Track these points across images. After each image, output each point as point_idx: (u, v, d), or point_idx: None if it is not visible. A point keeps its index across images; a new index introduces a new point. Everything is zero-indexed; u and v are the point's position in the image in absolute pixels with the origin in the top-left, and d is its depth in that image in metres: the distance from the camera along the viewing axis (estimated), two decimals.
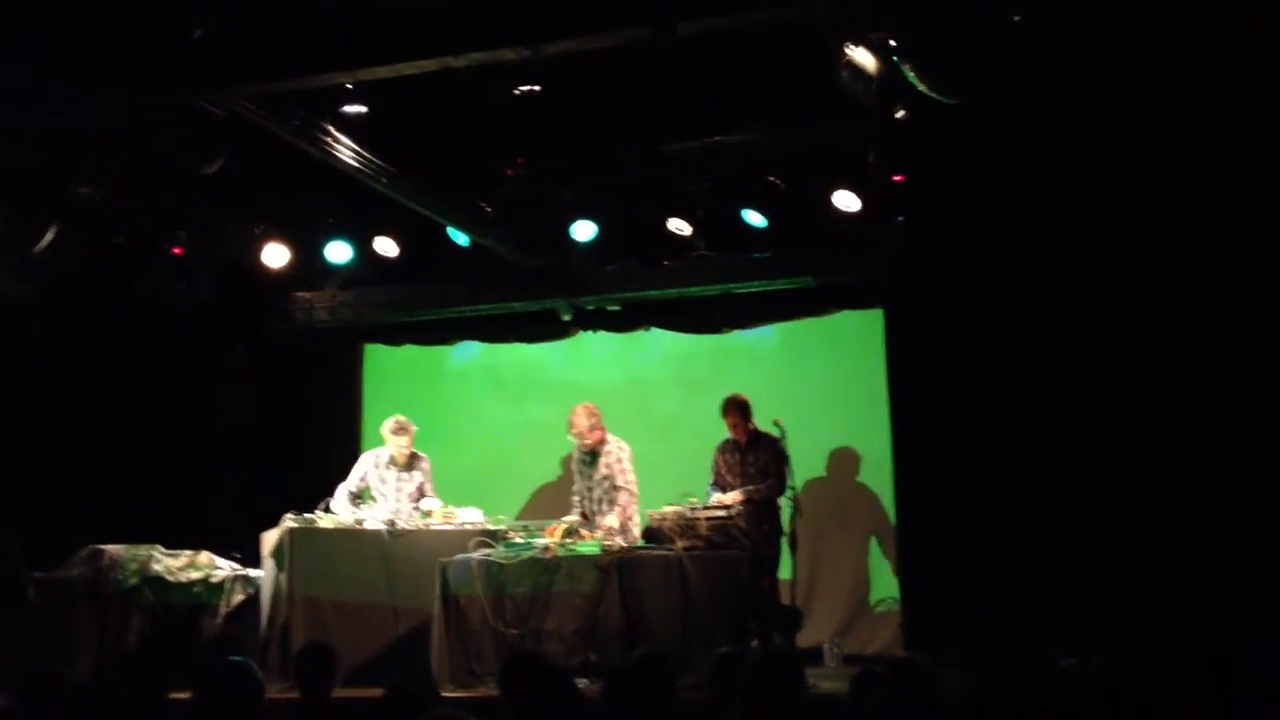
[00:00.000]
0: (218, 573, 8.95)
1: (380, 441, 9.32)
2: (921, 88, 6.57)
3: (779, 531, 8.65)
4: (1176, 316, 8.66)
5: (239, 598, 8.82)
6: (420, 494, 9.15)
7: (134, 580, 8.82)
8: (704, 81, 7.88)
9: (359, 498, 9.11)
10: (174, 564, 8.93)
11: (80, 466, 10.16)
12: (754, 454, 8.88)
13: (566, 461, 9.36)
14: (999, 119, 7.90)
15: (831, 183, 9.10)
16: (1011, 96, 7.24)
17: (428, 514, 8.76)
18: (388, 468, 9.18)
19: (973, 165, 8.60)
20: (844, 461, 10.29)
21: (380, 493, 9.14)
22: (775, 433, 8.62)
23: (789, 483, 8.58)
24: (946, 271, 9.38)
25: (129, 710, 4.64)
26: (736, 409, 8.94)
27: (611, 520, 8.67)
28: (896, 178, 9.01)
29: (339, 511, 8.82)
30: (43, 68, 7.25)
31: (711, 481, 8.93)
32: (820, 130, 8.68)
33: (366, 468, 9.22)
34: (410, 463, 9.21)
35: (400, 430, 9.12)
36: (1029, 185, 8.67)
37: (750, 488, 8.66)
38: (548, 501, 9.33)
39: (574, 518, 8.63)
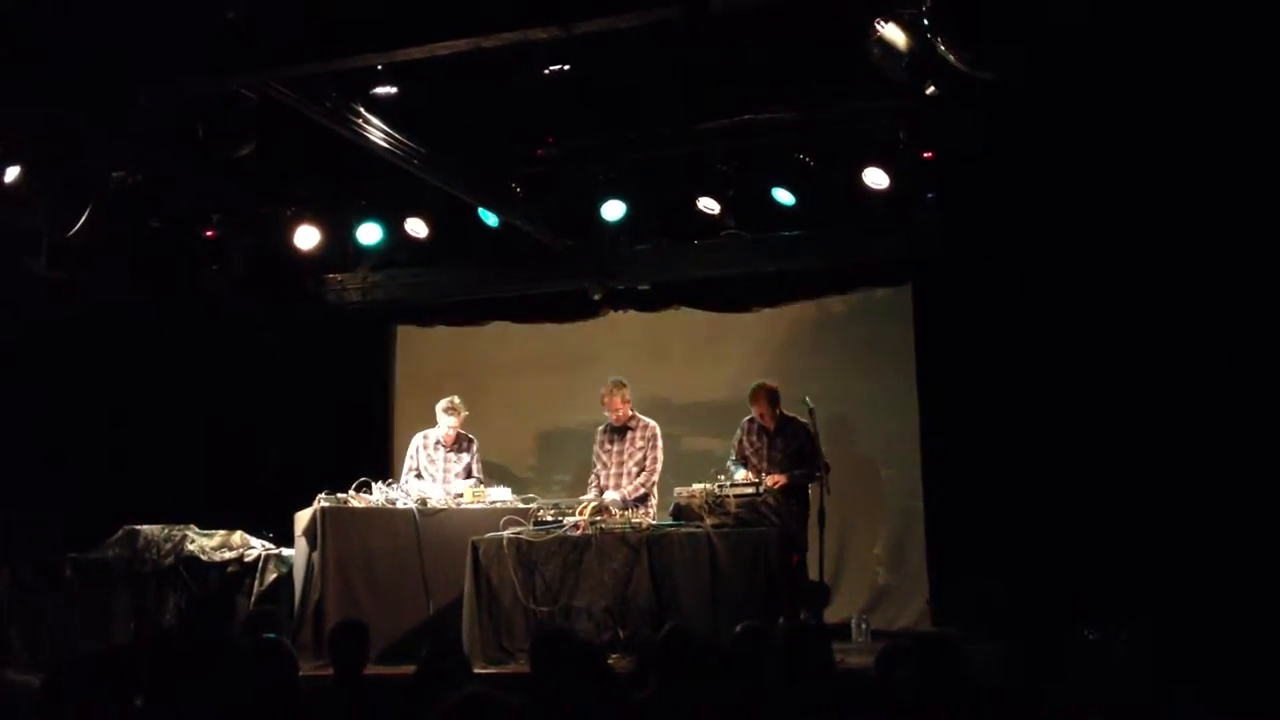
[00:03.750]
0: (251, 552, 9.05)
1: (413, 420, 9.39)
2: (954, 62, 6.53)
3: (807, 508, 8.65)
4: (1203, 296, 8.59)
5: (272, 576, 8.92)
6: (468, 474, 9.28)
7: (169, 560, 8.93)
8: (734, 59, 7.86)
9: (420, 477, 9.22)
10: (208, 543, 9.04)
11: (115, 447, 10.26)
12: (782, 439, 8.82)
13: (591, 440, 9.36)
14: (1030, 95, 7.84)
15: (861, 160, 9.06)
16: (1043, 72, 7.19)
17: (459, 495, 8.85)
18: (436, 448, 9.31)
19: (1003, 142, 8.54)
20: (872, 438, 10.27)
21: (429, 472, 9.25)
22: (805, 408, 8.59)
23: (823, 475, 8.58)
24: (975, 248, 9.34)
25: (164, 687, 4.69)
26: (765, 397, 8.83)
27: (632, 490, 8.74)
28: (926, 155, 8.96)
29: (413, 491, 8.91)
30: (78, 54, 7.29)
31: (733, 458, 8.86)
32: (850, 107, 8.65)
33: (416, 447, 9.35)
34: (459, 443, 9.30)
35: (451, 410, 9.26)
36: (1060, 162, 8.61)
37: (798, 472, 8.62)
38: (577, 479, 9.36)
39: (610, 495, 8.64)
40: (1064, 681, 3.98)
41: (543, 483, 10.50)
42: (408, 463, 9.36)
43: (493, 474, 9.57)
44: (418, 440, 9.42)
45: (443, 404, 9.34)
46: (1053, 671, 3.97)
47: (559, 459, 10.90)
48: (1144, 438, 8.70)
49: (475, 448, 9.43)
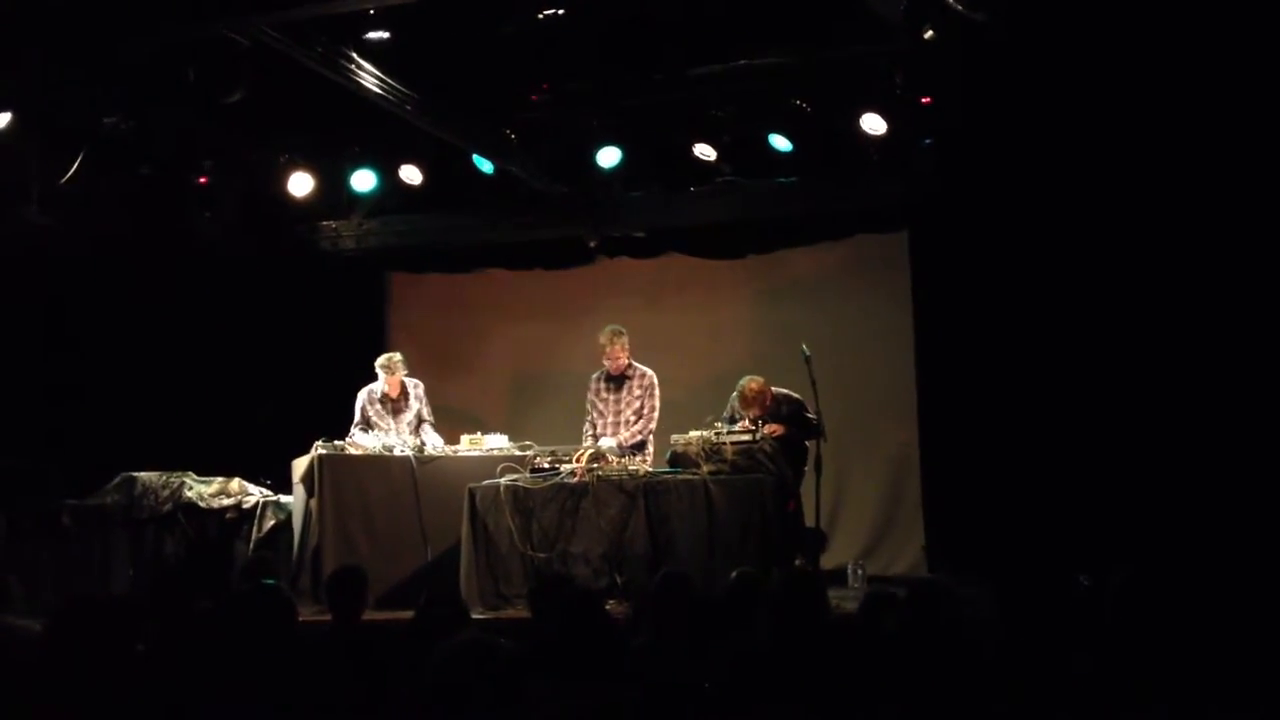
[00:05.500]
0: (249, 499, 9.07)
1: (407, 367, 9.34)
2: (951, 4, 6.49)
3: (804, 455, 8.65)
4: (1205, 241, 8.57)
5: (270, 523, 8.95)
6: (419, 421, 9.23)
7: (167, 507, 8.95)
8: (730, 4, 7.79)
9: (370, 429, 9.14)
10: (206, 490, 9.06)
11: (112, 394, 10.25)
12: (776, 418, 8.74)
13: (585, 387, 9.33)
14: (1029, 39, 7.78)
15: (858, 106, 9.01)
16: (1040, 14, 7.14)
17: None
18: (383, 404, 9.23)
19: (1000, 87, 8.48)
20: (868, 384, 10.22)
21: (379, 428, 9.14)
22: (801, 356, 8.52)
23: (820, 426, 8.55)
24: (972, 195, 9.30)
25: (164, 629, 4.73)
26: (756, 403, 8.48)
27: (629, 437, 8.74)
28: (924, 100, 8.91)
29: (367, 443, 8.89)
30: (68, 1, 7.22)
31: (726, 416, 8.68)
32: (847, 52, 8.59)
33: (363, 404, 9.25)
34: (403, 395, 9.25)
35: (386, 368, 9.17)
36: (1057, 107, 8.56)
37: (793, 430, 8.59)
38: (572, 427, 9.35)
39: (607, 442, 8.62)
40: (1055, 627, 4.00)
41: (537, 430, 10.50)
42: (356, 416, 9.18)
43: (487, 421, 9.55)
44: (363, 396, 9.25)
45: (381, 361, 9.23)
46: (1045, 616, 3.98)
47: (553, 406, 10.87)
48: (1141, 383, 8.70)
49: (421, 392, 9.32)
